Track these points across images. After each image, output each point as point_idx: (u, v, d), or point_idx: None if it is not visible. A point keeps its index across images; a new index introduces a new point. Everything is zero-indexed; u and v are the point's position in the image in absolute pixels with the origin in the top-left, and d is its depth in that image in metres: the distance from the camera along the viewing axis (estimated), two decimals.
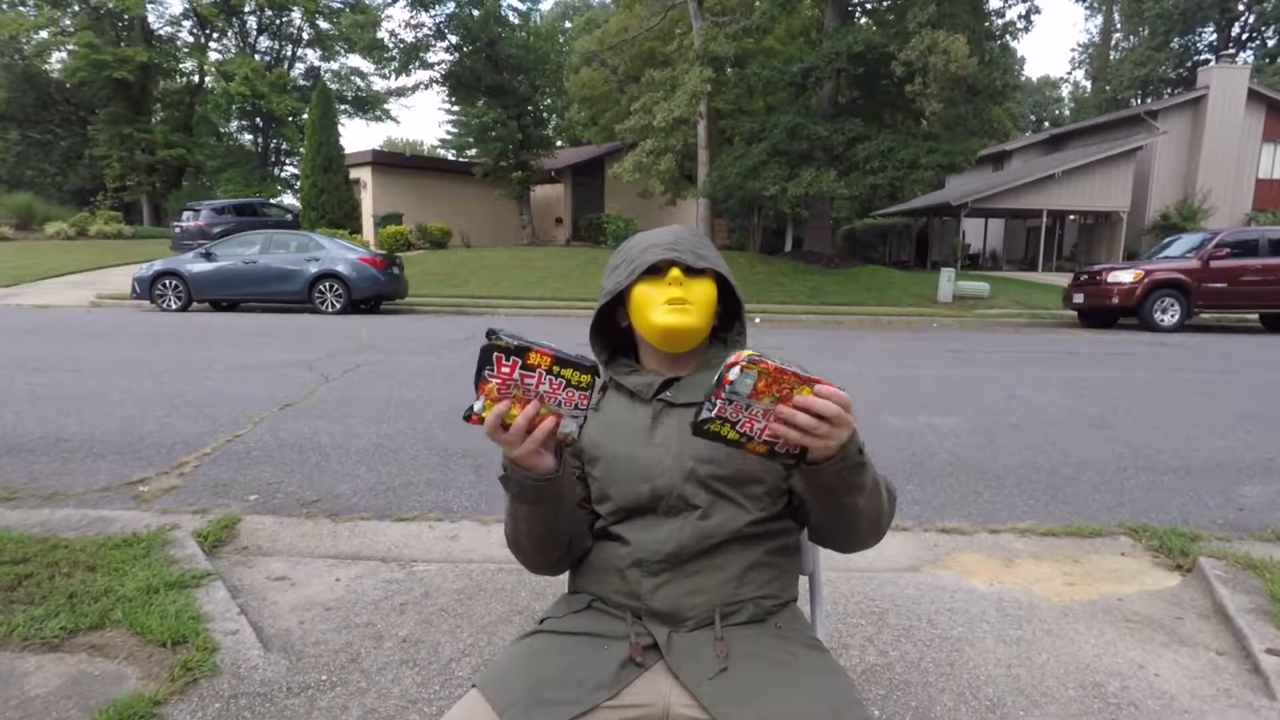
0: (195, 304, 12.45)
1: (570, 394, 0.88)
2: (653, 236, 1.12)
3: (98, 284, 14.88)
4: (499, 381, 0.86)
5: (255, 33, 34.49)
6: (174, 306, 12.23)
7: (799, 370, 0.85)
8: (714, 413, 0.85)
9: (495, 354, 0.85)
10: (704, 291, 1.08)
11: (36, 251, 18.91)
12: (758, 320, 12.48)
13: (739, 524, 1.06)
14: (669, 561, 1.05)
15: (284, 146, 36.47)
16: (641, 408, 1.12)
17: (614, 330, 1.19)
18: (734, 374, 0.83)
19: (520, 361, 0.85)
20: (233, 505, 3.15)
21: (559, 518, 1.04)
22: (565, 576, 1.21)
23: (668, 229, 1.15)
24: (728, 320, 1.19)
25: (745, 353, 0.84)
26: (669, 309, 1.06)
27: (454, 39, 22.44)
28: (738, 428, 0.86)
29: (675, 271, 1.06)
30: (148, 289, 12.21)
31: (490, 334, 0.85)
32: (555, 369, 0.86)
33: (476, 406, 0.87)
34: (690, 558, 1.05)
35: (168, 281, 12.23)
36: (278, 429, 4.40)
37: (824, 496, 0.96)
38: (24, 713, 1.68)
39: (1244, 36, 37.38)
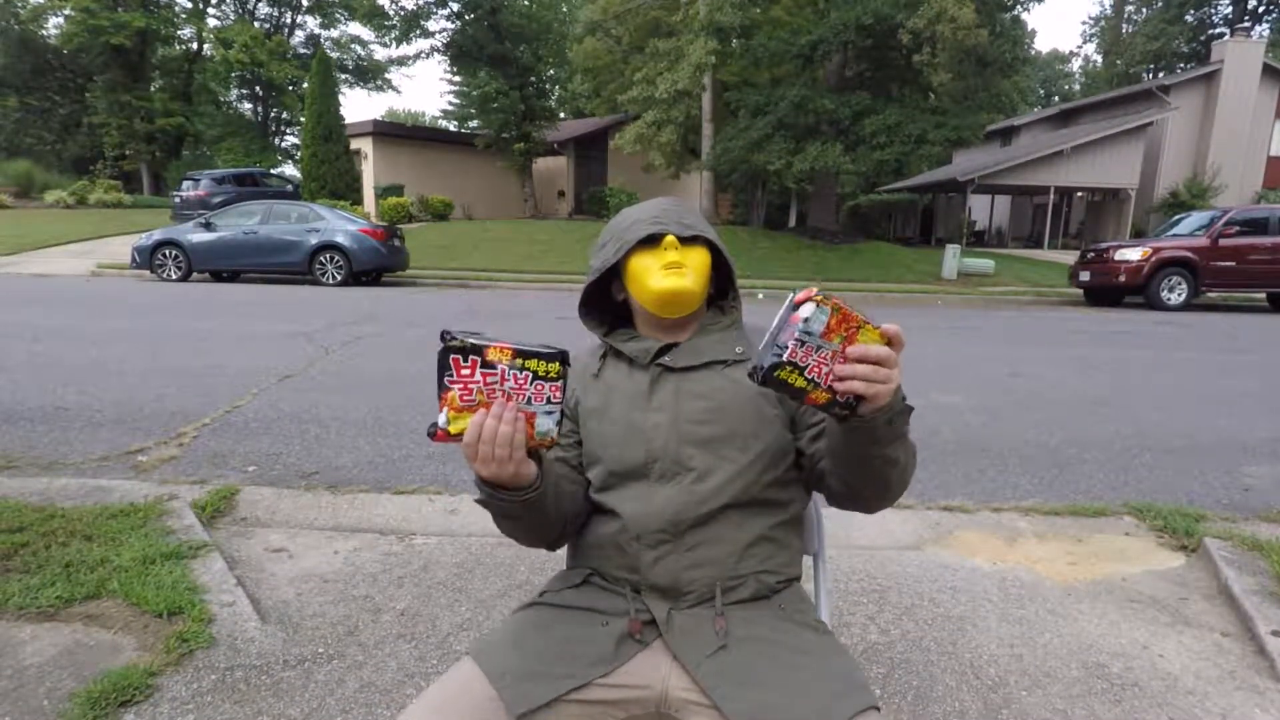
0: (195, 274, 12.39)
1: (540, 386, 0.82)
2: (637, 212, 1.13)
3: (97, 253, 14.81)
4: (460, 387, 0.79)
5: None
6: (174, 276, 12.18)
7: (862, 312, 0.76)
8: (785, 356, 0.74)
9: (451, 355, 0.77)
10: (699, 258, 1.10)
11: (36, 220, 18.78)
12: (760, 296, 12.38)
13: (738, 488, 1.04)
14: (667, 531, 1.03)
15: (284, 116, 36.12)
16: (639, 373, 1.12)
17: (610, 306, 1.21)
18: (808, 311, 0.73)
19: (479, 360, 0.79)
20: (231, 476, 3.14)
21: (547, 516, 1.00)
22: (564, 551, 1.20)
23: (651, 202, 1.15)
24: (721, 290, 1.19)
25: (813, 288, 0.75)
26: (666, 272, 1.06)
27: (456, 6, 22.01)
28: (806, 373, 0.76)
29: (671, 238, 1.07)
30: (148, 259, 12.16)
31: (445, 335, 0.78)
32: (518, 361, 0.80)
33: (440, 420, 0.80)
34: (689, 527, 1.03)
35: (168, 251, 12.17)
36: (277, 400, 4.38)
37: (867, 451, 0.88)
38: (18, 682, 1.67)
39: (1260, 9, 36.62)
